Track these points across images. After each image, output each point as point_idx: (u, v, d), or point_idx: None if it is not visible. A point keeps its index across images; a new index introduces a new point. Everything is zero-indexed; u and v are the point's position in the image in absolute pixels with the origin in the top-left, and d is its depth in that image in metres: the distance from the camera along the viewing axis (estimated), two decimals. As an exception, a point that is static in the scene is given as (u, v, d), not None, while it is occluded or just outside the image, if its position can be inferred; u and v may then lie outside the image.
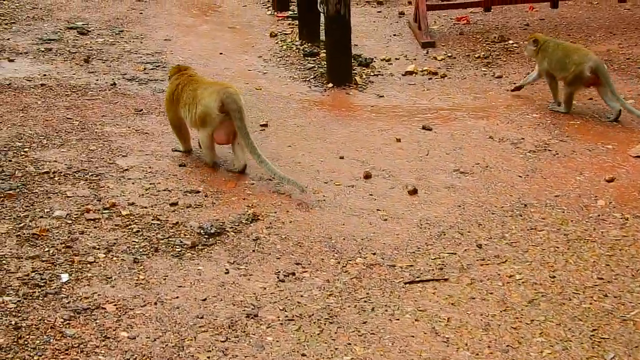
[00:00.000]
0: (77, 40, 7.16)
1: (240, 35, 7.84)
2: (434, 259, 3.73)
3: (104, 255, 3.54)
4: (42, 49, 6.72)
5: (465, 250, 3.80)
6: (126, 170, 4.49)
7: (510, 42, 7.40)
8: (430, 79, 6.62)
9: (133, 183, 4.32)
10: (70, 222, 3.80)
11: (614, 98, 5.40)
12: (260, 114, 5.64)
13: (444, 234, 3.99)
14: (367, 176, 4.64)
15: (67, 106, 5.46)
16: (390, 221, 4.12)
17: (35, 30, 7.38)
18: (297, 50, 7.24)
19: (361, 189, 4.47)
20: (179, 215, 3.99)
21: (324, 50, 7.09)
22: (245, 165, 4.49)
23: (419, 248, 3.85)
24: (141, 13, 8.44)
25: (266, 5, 9.11)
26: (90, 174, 4.38)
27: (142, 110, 5.53)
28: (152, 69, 6.52)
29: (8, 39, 6.97)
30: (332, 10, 6.21)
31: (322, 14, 6.79)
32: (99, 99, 5.68)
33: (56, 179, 4.27)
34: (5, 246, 3.51)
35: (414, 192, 4.44)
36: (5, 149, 4.61)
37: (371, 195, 4.41)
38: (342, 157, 4.90)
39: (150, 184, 4.33)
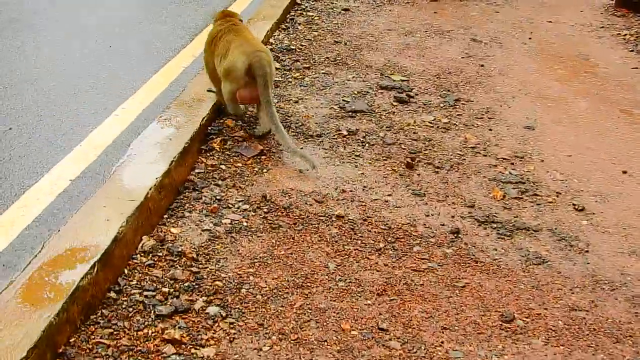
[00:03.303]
0: (393, 113, 4.67)
1: (644, 132, 4.81)
2: None
3: None
4: (343, 131, 4.32)
5: None
6: None
7: None
8: None
9: None
10: None
11: None
12: None
13: None
14: None
15: (377, 289, 2.95)
16: None
17: (335, 85, 5.03)
18: None
19: None
20: None
21: None
22: (268, 132, 3.99)
23: None
24: (482, 66, 5.76)
25: (668, 69, 5.94)
26: None
27: (512, 317, 2.85)
28: (514, 197, 3.80)
29: (297, 102, 4.68)
30: None
31: None
32: (428, 271, 3.11)
33: None
34: None
35: None
36: None
37: None
38: None
39: None
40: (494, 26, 6.93)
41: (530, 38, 6.61)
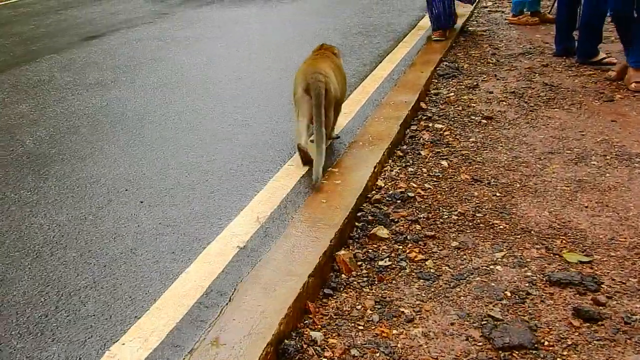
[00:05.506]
0: (575, 349, 2.74)
1: None
2: None
3: None
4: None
5: None
6: None
7: None
8: None
9: None
10: None
11: None
12: None
13: None
14: None
15: None
16: None
17: (475, 275, 3.20)
18: None
19: None
20: None
21: None
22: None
23: None
24: None
25: None
26: None
27: None
28: None
29: (411, 320, 2.90)
30: None
31: None
32: None
33: None
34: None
35: None
36: None
37: None
38: None
39: None
40: (702, 142, 4.84)
41: None
